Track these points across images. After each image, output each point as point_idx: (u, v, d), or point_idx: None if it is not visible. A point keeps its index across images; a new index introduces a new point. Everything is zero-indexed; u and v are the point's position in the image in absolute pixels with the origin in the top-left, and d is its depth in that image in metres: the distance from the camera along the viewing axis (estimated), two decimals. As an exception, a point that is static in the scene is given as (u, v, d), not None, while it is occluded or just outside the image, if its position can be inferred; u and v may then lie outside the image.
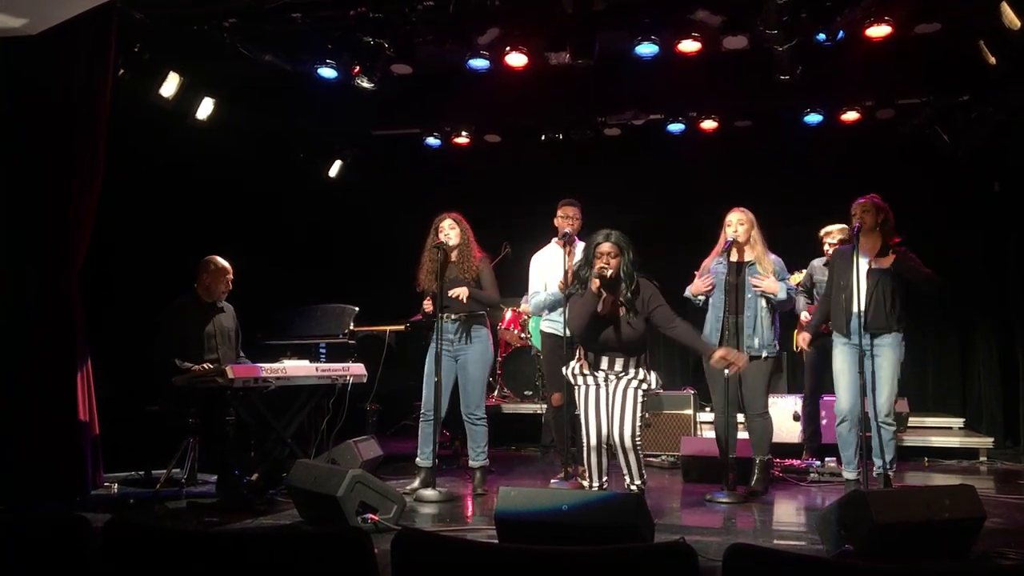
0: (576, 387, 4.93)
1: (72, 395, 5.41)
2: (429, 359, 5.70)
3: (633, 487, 4.79)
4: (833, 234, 6.48)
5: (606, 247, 4.77)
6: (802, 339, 6.01)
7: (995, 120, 7.14)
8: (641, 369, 4.84)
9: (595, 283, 4.70)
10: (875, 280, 5.35)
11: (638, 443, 4.77)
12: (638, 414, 4.76)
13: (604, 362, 4.83)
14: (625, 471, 4.82)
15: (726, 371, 5.21)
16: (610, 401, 4.78)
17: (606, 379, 4.83)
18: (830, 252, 6.45)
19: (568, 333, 5.13)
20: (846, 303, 5.38)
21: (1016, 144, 7.38)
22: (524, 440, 8.04)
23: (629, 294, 4.75)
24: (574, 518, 3.81)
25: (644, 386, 4.80)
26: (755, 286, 5.57)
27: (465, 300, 5.57)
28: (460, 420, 5.87)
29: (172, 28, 6.43)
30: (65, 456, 5.34)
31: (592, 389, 4.85)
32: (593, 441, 4.81)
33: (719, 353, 4.89)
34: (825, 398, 6.69)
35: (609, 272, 4.70)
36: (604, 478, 4.89)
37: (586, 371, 4.88)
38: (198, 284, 5.94)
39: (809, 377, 6.58)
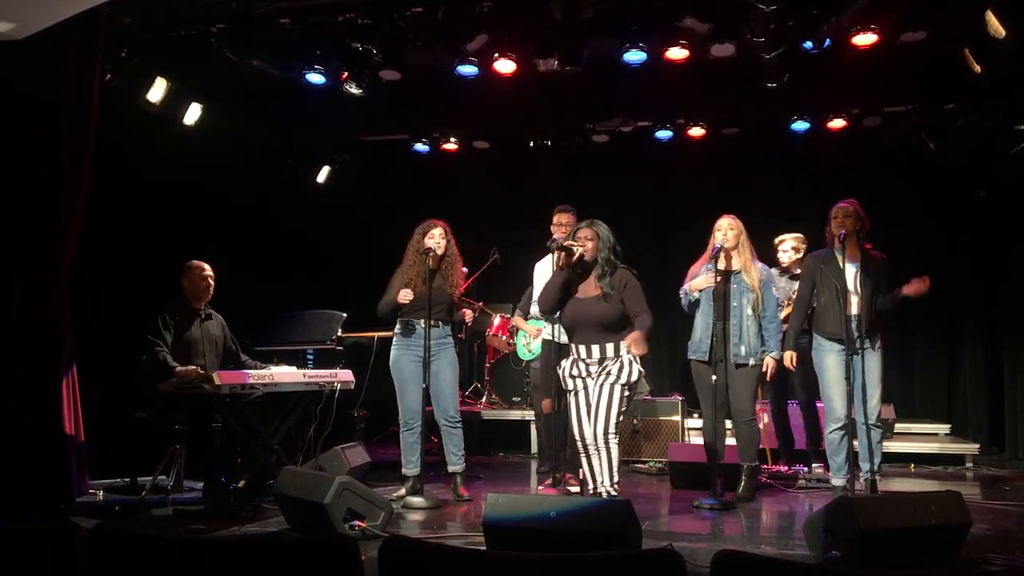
0: (568, 392, 4.90)
1: (58, 402, 5.36)
2: (397, 367, 5.67)
3: (601, 490, 4.69)
4: (787, 242, 6.51)
5: (584, 232, 4.95)
6: (788, 357, 5.75)
7: (980, 128, 7.19)
8: (623, 359, 4.75)
9: (561, 257, 4.91)
10: (864, 286, 5.36)
11: (611, 442, 4.68)
12: (614, 411, 4.68)
13: (583, 351, 4.83)
14: (596, 472, 4.72)
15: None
16: (592, 400, 4.75)
17: (588, 375, 4.80)
18: (785, 262, 6.48)
19: (538, 311, 5.13)
20: (841, 309, 5.33)
21: (1001, 151, 7.43)
22: (511, 446, 8.03)
23: (607, 277, 4.84)
24: (562, 525, 3.80)
25: (624, 379, 4.71)
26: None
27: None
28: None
29: (160, 33, 6.42)
30: (50, 464, 5.28)
31: (579, 393, 4.83)
32: (579, 444, 4.82)
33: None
34: (791, 403, 6.70)
35: (577, 249, 4.85)
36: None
37: (575, 372, 4.85)
38: (184, 289, 5.90)
39: (773, 383, 6.58)
